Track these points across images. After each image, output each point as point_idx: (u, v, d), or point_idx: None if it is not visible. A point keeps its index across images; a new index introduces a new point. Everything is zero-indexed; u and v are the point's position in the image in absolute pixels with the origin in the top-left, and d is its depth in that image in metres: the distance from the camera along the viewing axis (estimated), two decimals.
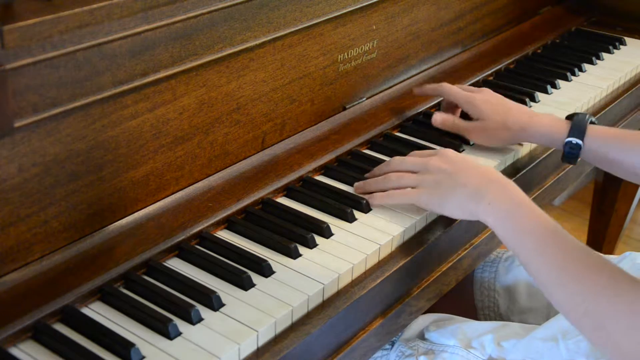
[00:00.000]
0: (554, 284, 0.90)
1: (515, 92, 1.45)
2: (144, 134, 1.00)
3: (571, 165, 1.38)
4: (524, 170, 1.25)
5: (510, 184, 1.00)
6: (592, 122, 1.19)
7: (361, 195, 1.11)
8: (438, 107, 1.40)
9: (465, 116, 1.29)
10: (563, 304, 0.90)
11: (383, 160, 1.21)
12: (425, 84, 1.37)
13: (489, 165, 1.16)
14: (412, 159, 1.10)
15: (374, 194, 1.09)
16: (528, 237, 0.94)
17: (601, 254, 1.24)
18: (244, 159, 1.16)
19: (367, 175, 1.16)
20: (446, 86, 1.31)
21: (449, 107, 1.33)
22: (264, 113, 1.17)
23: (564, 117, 1.23)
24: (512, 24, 1.73)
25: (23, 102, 0.85)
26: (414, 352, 1.11)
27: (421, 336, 1.14)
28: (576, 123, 1.18)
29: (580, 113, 1.21)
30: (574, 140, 1.17)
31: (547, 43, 1.70)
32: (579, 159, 1.19)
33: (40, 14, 0.82)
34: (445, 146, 1.26)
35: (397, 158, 1.12)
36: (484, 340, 1.10)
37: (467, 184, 1.01)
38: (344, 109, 1.32)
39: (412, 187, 1.07)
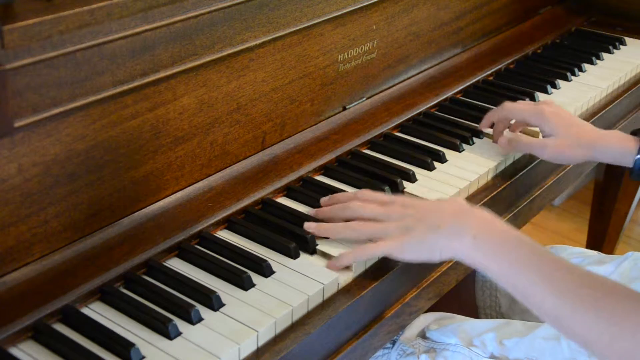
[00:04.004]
0: (568, 314, 0.84)
1: (515, 92, 1.45)
2: (144, 134, 1.00)
3: (571, 165, 1.38)
4: (524, 170, 1.25)
5: (485, 213, 0.96)
6: None
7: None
8: (438, 106, 1.40)
9: None
10: (582, 334, 0.84)
11: (383, 160, 1.21)
12: (487, 114, 1.29)
13: (453, 197, 1.12)
14: (372, 207, 1.00)
15: (343, 253, 0.98)
16: (528, 268, 0.88)
17: (618, 259, 1.24)
18: (244, 159, 1.16)
19: (315, 213, 1.06)
20: (507, 105, 1.26)
21: (503, 125, 1.28)
22: (264, 113, 1.17)
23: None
24: (512, 24, 1.73)
25: (23, 102, 0.85)
26: (415, 350, 1.11)
27: (422, 335, 1.14)
28: None
29: None
30: None
31: (547, 43, 1.70)
32: None
33: (40, 14, 0.82)
34: (446, 146, 1.26)
35: (355, 202, 1.02)
36: (485, 339, 1.10)
37: (441, 224, 0.94)
38: (344, 109, 1.32)
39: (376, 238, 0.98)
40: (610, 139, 1.21)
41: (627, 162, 1.19)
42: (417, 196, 1.12)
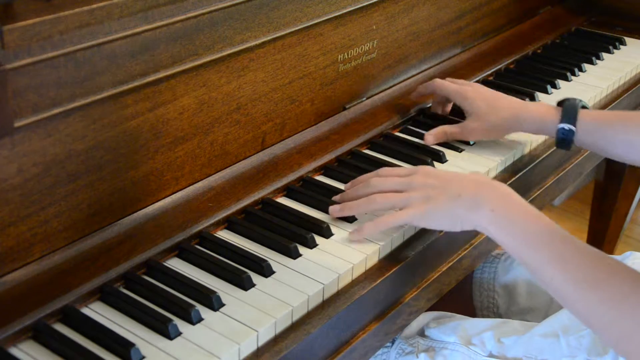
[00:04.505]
0: (573, 293, 0.87)
1: (515, 92, 1.44)
2: (144, 134, 1.00)
3: (571, 165, 1.38)
4: (524, 170, 1.25)
5: (505, 187, 0.98)
6: (583, 107, 1.19)
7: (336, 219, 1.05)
8: None
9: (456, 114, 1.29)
10: (585, 313, 0.87)
11: (383, 161, 1.21)
12: (418, 86, 1.36)
13: (477, 171, 1.14)
14: (393, 179, 1.03)
15: (363, 225, 1.01)
16: (540, 246, 0.91)
17: (617, 259, 1.24)
18: (244, 159, 1.15)
19: (339, 198, 1.08)
20: (437, 81, 1.31)
21: (440, 102, 1.34)
22: (264, 113, 1.17)
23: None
24: (512, 24, 1.73)
25: (23, 102, 0.85)
26: (414, 349, 1.11)
27: (421, 333, 1.14)
28: (567, 108, 1.18)
29: (571, 98, 1.21)
30: (567, 125, 1.17)
31: (547, 43, 1.70)
32: (573, 145, 1.19)
33: (40, 14, 0.82)
34: (446, 146, 1.26)
35: (376, 178, 1.05)
36: (484, 337, 1.10)
37: (462, 193, 0.97)
38: (344, 109, 1.32)
39: (400, 208, 1.01)
40: (532, 108, 1.23)
41: (551, 131, 1.20)
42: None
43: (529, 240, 0.92)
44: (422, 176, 1.01)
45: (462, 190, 0.97)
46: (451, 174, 1.02)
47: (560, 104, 1.22)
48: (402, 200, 1.01)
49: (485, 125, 1.23)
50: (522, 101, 1.25)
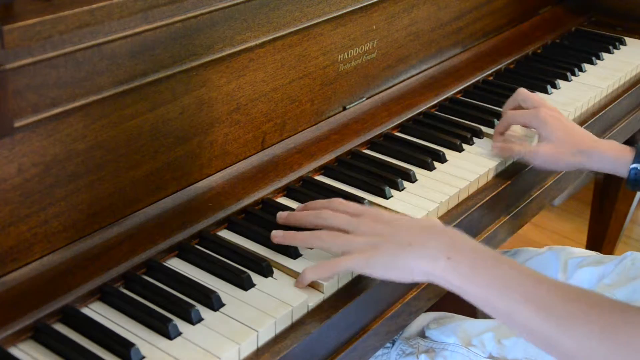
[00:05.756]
0: (556, 331, 0.81)
1: None
2: (144, 134, 1.00)
3: None
4: (524, 170, 1.25)
5: (455, 231, 0.92)
6: None
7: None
8: (438, 106, 1.40)
9: None
10: (574, 350, 0.80)
11: (383, 160, 1.21)
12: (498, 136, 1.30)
13: (428, 217, 1.08)
14: (343, 216, 0.96)
15: (306, 269, 0.94)
16: (510, 287, 0.84)
17: (617, 258, 1.24)
18: (244, 159, 1.15)
19: (284, 220, 1.02)
20: (509, 114, 1.27)
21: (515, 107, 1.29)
22: (264, 113, 1.17)
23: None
24: (512, 24, 1.73)
25: (23, 102, 0.85)
26: (414, 350, 1.11)
27: (422, 334, 1.14)
28: None
29: None
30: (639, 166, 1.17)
31: (547, 43, 1.70)
32: None
33: (40, 14, 0.82)
34: (446, 146, 1.26)
35: (327, 211, 0.98)
36: (484, 338, 1.10)
37: (413, 242, 0.89)
38: (344, 109, 1.32)
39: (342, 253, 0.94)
40: (606, 147, 1.21)
41: (622, 171, 1.19)
42: (395, 211, 1.09)
43: (497, 284, 0.85)
44: (370, 220, 0.95)
45: (412, 238, 0.90)
46: (401, 219, 0.96)
47: (629, 143, 1.21)
48: (347, 243, 0.93)
49: (561, 156, 1.21)
50: (593, 136, 1.23)
